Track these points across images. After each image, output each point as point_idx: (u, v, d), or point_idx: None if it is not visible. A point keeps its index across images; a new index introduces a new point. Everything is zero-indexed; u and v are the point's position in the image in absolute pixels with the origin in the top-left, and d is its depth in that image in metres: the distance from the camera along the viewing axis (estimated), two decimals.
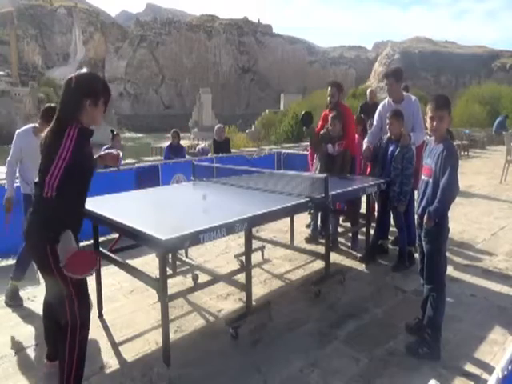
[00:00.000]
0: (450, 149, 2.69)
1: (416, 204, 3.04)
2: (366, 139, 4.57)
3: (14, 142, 3.67)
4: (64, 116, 2.18)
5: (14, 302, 3.60)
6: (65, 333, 2.17)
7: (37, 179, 2.20)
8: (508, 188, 8.56)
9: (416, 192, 3.52)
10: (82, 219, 2.37)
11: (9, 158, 3.68)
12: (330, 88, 4.91)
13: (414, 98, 4.39)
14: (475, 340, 2.91)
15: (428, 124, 2.80)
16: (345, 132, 4.72)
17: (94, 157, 2.49)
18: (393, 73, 4.41)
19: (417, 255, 3.48)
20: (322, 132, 4.82)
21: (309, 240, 5.03)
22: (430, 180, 2.78)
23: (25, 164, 3.64)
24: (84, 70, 2.33)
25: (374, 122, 4.66)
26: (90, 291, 2.39)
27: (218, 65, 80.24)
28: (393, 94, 4.38)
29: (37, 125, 3.64)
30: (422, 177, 2.89)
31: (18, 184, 3.83)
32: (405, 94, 4.47)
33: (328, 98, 4.96)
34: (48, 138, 2.17)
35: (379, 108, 4.63)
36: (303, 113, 4.76)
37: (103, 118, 2.41)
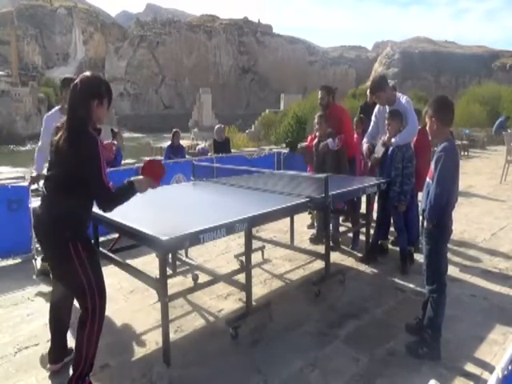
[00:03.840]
0: (444, 150, 2.69)
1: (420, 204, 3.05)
2: (364, 140, 4.57)
3: (43, 127, 3.72)
4: (76, 121, 2.26)
5: (45, 274, 3.63)
6: (84, 322, 2.30)
7: (43, 182, 2.40)
8: (508, 188, 8.56)
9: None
10: (90, 217, 2.52)
11: (39, 144, 3.71)
12: (319, 92, 5.10)
13: (405, 97, 4.39)
14: (475, 340, 2.91)
15: None
16: (341, 127, 4.80)
17: None
18: (378, 86, 4.36)
19: (420, 256, 3.49)
20: (314, 143, 4.90)
21: (313, 240, 5.03)
22: (431, 181, 2.79)
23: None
24: (87, 73, 2.41)
25: (372, 123, 4.68)
26: None
27: (218, 65, 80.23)
28: (385, 102, 4.40)
29: (60, 106, 3.71)
30: (427, 178, 2.90)
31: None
32: (397, 94, 4.47)
33: (319, 101, 5.12)
34: (64, 144, 2.22)
35: (375, 110, 4.66)
36: (287, 141, 5.40)
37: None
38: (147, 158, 2.59)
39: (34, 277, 4.15)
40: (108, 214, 2.80)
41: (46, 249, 2.47)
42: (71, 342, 2.63)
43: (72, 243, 2.26)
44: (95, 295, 2.30)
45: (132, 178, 2.40)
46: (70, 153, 2.19)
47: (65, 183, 2.25)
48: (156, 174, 2.48)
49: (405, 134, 4.09)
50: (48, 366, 2.63)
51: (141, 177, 2.43)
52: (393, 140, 4.10)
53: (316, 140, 4.92)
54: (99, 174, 2.21)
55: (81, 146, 2.19)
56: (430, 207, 2.70)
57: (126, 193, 2.35)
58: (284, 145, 5.57)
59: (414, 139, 4.29)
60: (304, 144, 5.30)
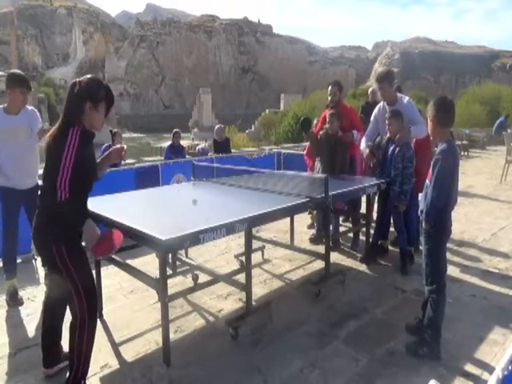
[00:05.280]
0: (442, 153, 2.69)
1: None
2: (363, 141, 4.55)
3: None
4: (67, 119, 2.24)
5: (15, 301, 3.59)
6: (74, 325, 2.29)
7: (40, 182, 2.36)
8: (508, 188, 8.56)
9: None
10: (84, 220, 2.40)
11: None
12: (331, 87, 4.92)
13: (407, 98, 4.38)
14: (475, 340, 2.91)
15: None
16: (354, 127, 4.80)
17: (98, 160, 2.51)
18: (385, 77, 4.33)
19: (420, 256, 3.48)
20: (321, 133, 4.83)
21: (313, 240, 5.03)
22: (430, 183, 2.79)
23: (1, 149, 3.51)
24: (88, 75, 2.37)
25: (370, 124, 4.68)
26: None
27: (218, 65, 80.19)
28: (386, 97, 4.39)
29: (5, 104, 3.58)
30: (426, 179, 2.90)
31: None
32: (398, 95, 4.47)
33: (329, 98, 4.96)
34: (51, 141, 2.22)
35: (375, 111, 4.64)
36: (302, 118, 4.95)
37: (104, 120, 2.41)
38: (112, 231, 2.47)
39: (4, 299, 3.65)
40: (108, 214, 2.81)
41: (38, 251, 2.46)
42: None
43: (55, 245, 2.21)
44: (82, 299, 2.26)
45: (85, 227, 2.34)
46: (53, 149, 2.19)
47: (52, 182, 2.16)
48: (106, 246, 2.37)
49: (419, 128, 4.05)
50: (43, 370, 2.57)
51: (95, 232, 2.37)
52: (412, 128, 4.04)
53: (322, 131, 4.81)
54: (58, 171, 2.10)
55: (59, 140, 2.16)
56: (426, 209, 2.71)
57: (67, 217, 2.19)
58: (299, 123, 5.43)
59: (413, 140, 4.29)
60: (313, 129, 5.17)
